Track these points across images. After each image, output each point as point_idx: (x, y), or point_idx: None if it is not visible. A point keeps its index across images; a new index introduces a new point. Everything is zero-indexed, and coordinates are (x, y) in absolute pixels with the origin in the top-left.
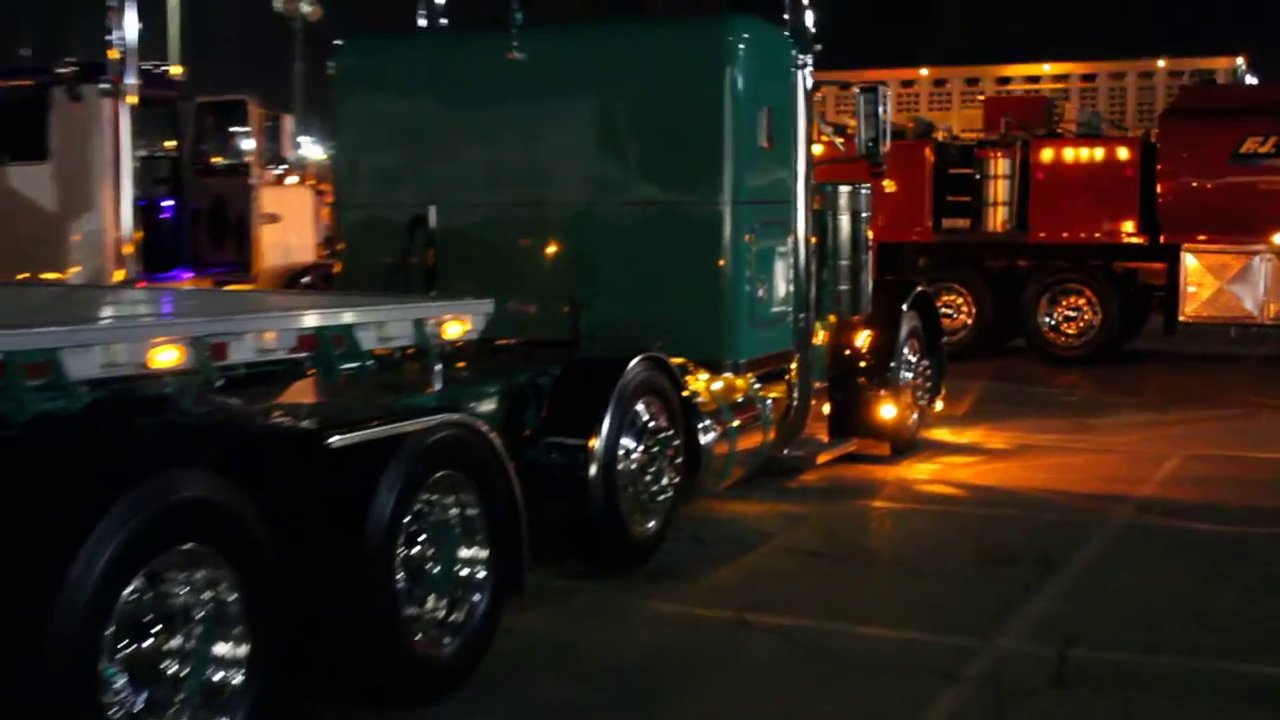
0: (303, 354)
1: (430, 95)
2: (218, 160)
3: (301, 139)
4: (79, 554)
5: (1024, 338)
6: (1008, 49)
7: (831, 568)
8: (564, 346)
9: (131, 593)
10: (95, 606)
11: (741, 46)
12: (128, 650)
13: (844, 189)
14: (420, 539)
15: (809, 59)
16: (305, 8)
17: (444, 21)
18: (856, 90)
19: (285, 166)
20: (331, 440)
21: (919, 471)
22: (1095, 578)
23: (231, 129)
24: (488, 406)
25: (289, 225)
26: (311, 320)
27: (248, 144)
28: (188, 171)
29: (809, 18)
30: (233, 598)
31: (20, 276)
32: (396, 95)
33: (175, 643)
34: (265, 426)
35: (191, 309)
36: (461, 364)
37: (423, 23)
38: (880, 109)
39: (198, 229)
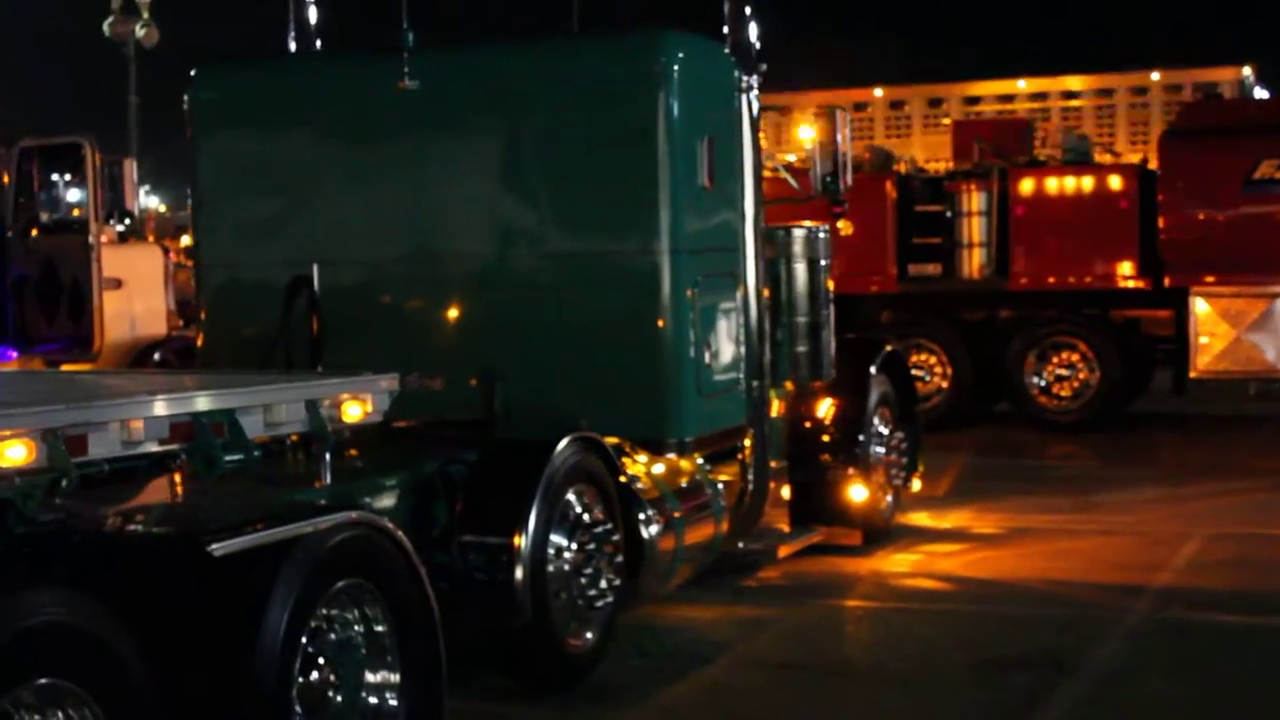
0: (175, 445)
1: (306, 131)
2: (48, 216)
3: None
4: None
5: (1009, 402)
6: (975, 64)
7: (804, 682)
8: (477, 428)
9: None
10: None
11: (677, 67)
12: None
13: (799, 233)
14: (320, 662)
15: (754, 81)
16: (139, 31)
17: (318, 44)
18: (814, 115)
19: (129, 221)
20: (214, 548)
21: (897, 563)
22: (1115, 685)
23: (64, 177)
24: (388, 502)
25: (135, 291)
26: (186, 405)
27: (83, 195)
28: (11, 230)
29: (753, 32)
30: None
31: None
32: (265, 132)
33: None
34: (133, 534)
35: (39, 395)
36: (354, 452)
37: (293, 46)
38: (840, 135)
39: (24, 299)
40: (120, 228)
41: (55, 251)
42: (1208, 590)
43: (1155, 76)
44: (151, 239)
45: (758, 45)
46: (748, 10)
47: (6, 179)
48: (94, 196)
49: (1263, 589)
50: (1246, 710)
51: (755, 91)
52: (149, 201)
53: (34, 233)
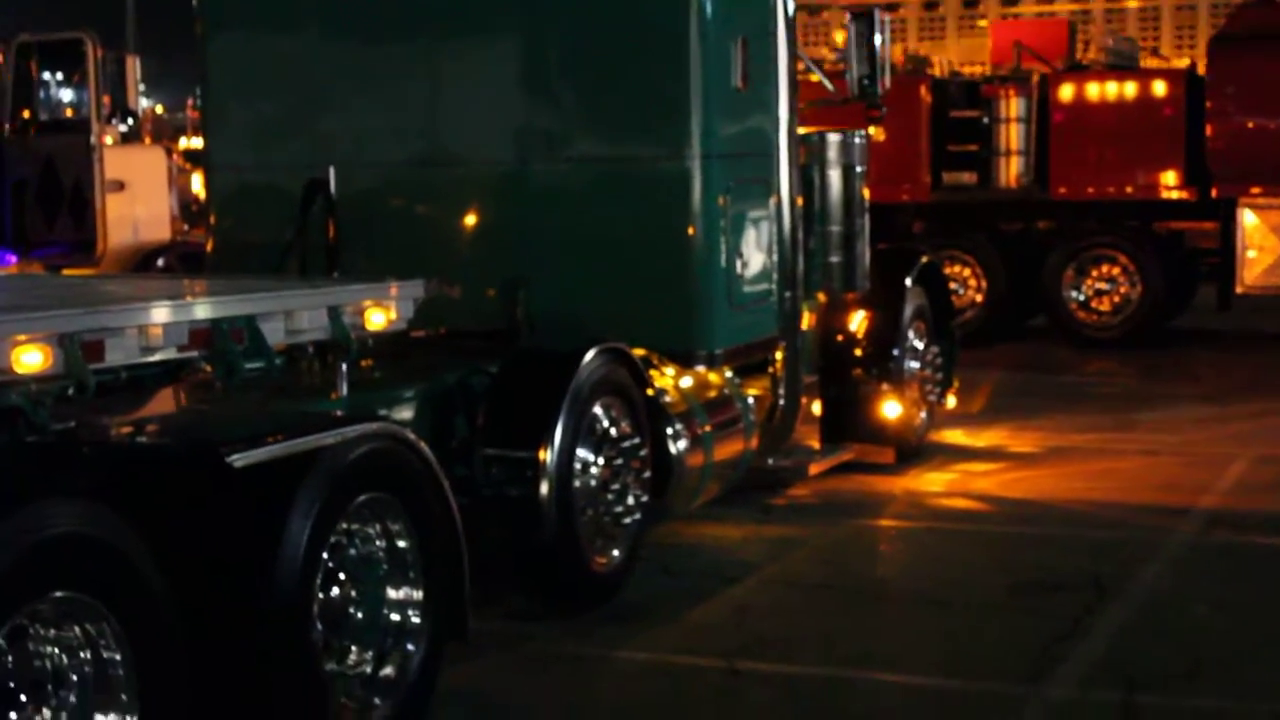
0: (193, 352)
1: (323, 27)
2: (48, 115)
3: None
4: None
5: (1047, 316)
6: None
7: (836, 603)
8: (499, 338)
9: None
10: None
11: None
12: None
13: (834, 138)
14: (341, 578)
15: None
16: None
17: None
18: (848, 16)
19: (131, 121)
20: (234, 459)
21: (932, 482)
22: (1158, 608)
23: (65, 75)
24: (407, 413)
25: (138, 194)
26: (206, 310)
27: (84, 94)
28: (9, 130)
29: None
30: (118, 657)
31: None
32: (279, 27)
33: (46, 715)
34: (151, 444)
35: (50, 298)
36: (369, 362)
37: None
38: (878, 36)
39: (23, 201)
40: (123, 128)
41: (56, 152)
42: (1255, 512)
43: None
44: (149, 141)
45: None
46: None
47: (5, 76)
48: (95, 95)
49: None
50: None
51: None
52: (146, 102)
53: (33, 132)
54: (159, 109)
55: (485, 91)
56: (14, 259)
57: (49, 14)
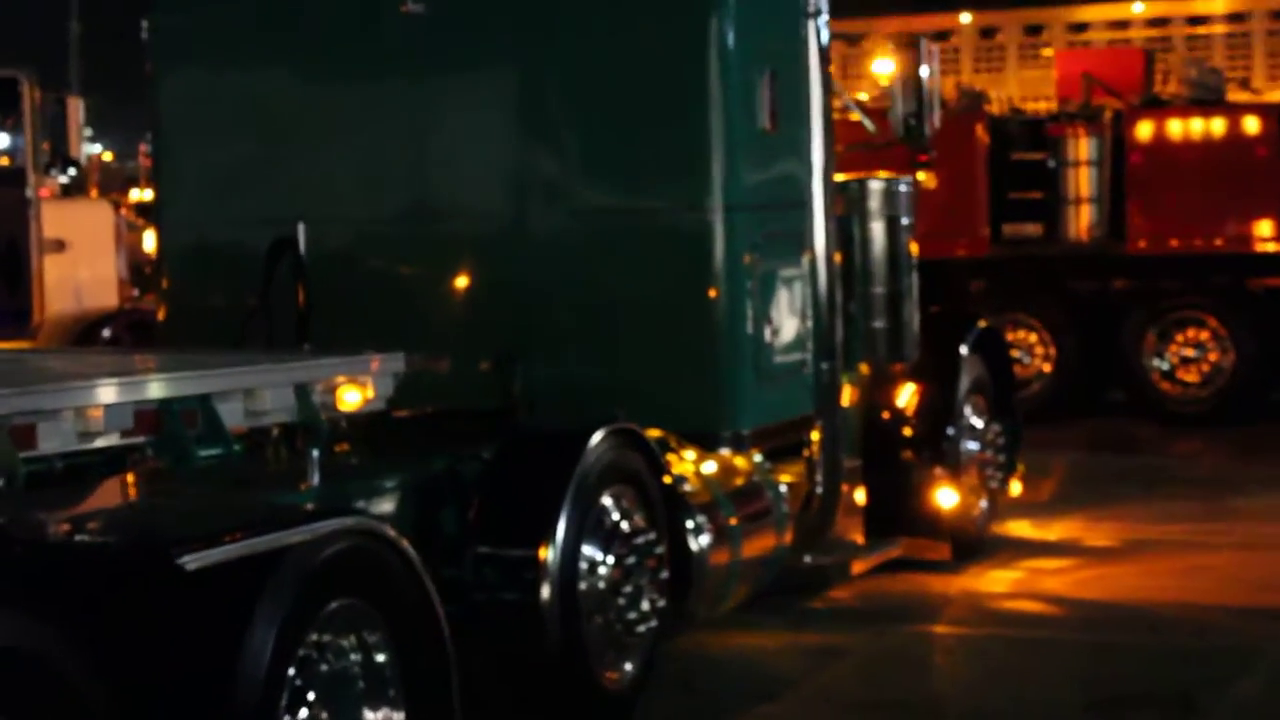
0: (139, 438)
1: (290, 64)
2: None
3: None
4: None
5: (1125, 389)
6: None
7: None
8: (494, 418)
9: None
10: None
11: None
12: None
13: (877, 186)
14: (310, 698)
15: (824, 3)
16: None
17: None
18: (895, 47)
19: (75, 171)
20: (184, 560)
21: (995, 582)
22: None
23: None
24: (388, 506)
25: (81, 255)
26: (153, 390)
27: (19, 140)
28: None
29: None
30: None
31: None
32: (240, 64)
33: None
34: (90, 543)
35: None
36: (346, 446)
37: None
38: (925, 70)
39: None
40: (64, 179)
41: None
42: None
43: None
44: (96, 193)
45: None
46: None
47: None
48: (32, 142)
49: None
50: None
51: (825, 16)
52: (93, 149)
53: None
54: (107, 156)
55: (475, 136)
56: None
57: None
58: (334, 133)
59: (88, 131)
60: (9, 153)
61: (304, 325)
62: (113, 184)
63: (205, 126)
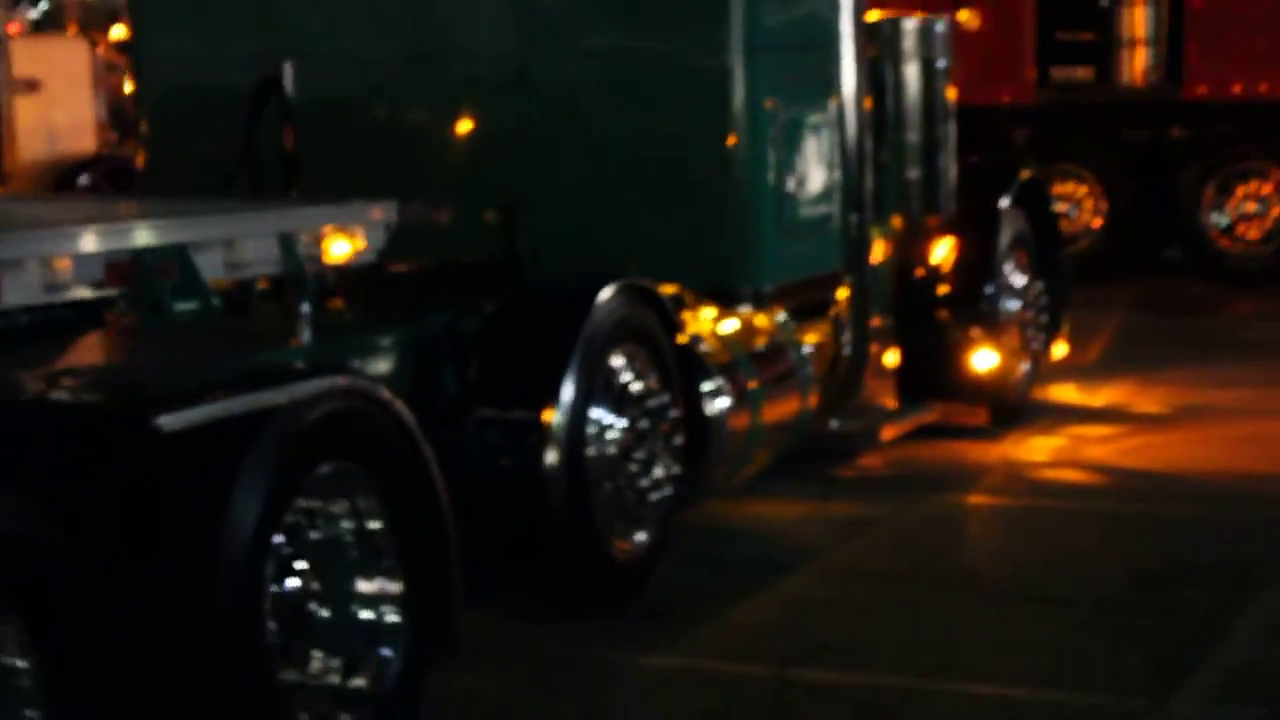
0: (111, 290)
1: None
2: None
3: None
4: None
5: (1181, 246)
6: None
7: (913, 599)
8: (497, 272)
9: None
10: None
11: None
12: None
13: (911, 25)
14: (299, 567)
15: None
16: None
17: None
18: None
19: (46, 5)
20: (162, 421)
21: (1035, 450)
22: None
23: None
24: (383, 366)
25: (55, 97)
26: (125, 239)
27: None
28: None
29: None
30: (24, 664)
31: None
32: None
33: None
34: (60, 403)
35: None
36: (340, 303)
37: None
38: None
39: None
40: (34, 13)
41: None
42: None
43: None
44: (74, 30)
45: None
46: None
47: None
48: None
49: None
50: None
51: None
52: None
53: None
54: None
55: None
56: None
57: None
58: None
59: None
60: None
61: (291, 172)
62: (93, 20)
63: None
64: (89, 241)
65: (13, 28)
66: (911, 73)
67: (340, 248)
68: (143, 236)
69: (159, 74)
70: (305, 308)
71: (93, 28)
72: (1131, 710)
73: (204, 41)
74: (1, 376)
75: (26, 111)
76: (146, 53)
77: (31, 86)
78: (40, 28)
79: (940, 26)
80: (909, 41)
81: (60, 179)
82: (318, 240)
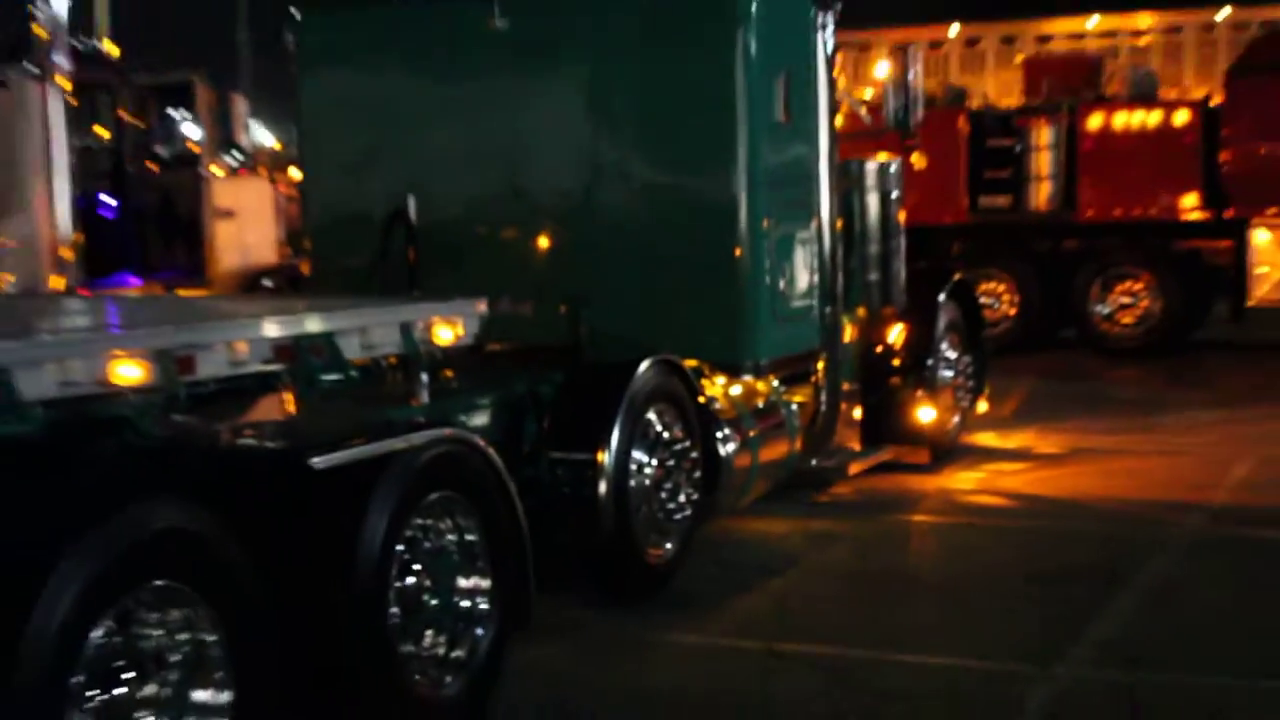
0: (278, 366)
1: (404, 70)
2: (164, 151)
3: (254, 122)
4: (41, 595)
5: (1075, 329)
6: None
7: (870, 591)
8: (564, 351)
9: (100, 636)
10: (61, 652)
11: (754, 4)
12: (97, 699)
13: (872, 166)
14: (415, 568)
15: (830, 18)
16: None
17: None
18: (890, 52)
19: (240, 156)
20: (314, 461)
21: (963, 481)
22: (1165, 595)
23: (178, 114)
24: (481, 420)
25: (246, 222)
26: (288, 328)
27: (196, 131)
28: (130, 164)
29: None
30: (212, 638)
31: None
32: (365, 71)
33: (149, 690)
34: (240, 448)
35: (151, 318)
36: (449, 373)
37: None
38: (911, 72)
39: (144, 229)
40: (231, 161)
41: (171, 184)
42: (1259, 508)
43: (1223, 14)
44: (264, 173)
45: None
46: None
47: (124, 115)
48: (206, 132)
49: None
50: None
51: (831, 28)
52: (263, 136)
53: (151, 166)
54: (278, 145)
55: (551, 124)
56: (137, 281)
57: (171, 54)
58: (439, 124)
59: (259, 121)
60: (187, 140)
61: (414, 276)
62: (276, 165)
63: (338, 119)
64: (261, 330)
65: (217, 171)
66: (872, 201)
67: (445, 334)
68: (300, 326)
69: (320, 206)
70: (423, 377)
71: (276, 171)
72: (1025, 673)
73: (352, 182)
74: (200, 428)
75: (224, 233)
76: (311, 191)
77: (229, 214)
78: (235, 171)
79: (894, 167)
80: (870, 179)
81: (249, 283)
82: (429, 327)
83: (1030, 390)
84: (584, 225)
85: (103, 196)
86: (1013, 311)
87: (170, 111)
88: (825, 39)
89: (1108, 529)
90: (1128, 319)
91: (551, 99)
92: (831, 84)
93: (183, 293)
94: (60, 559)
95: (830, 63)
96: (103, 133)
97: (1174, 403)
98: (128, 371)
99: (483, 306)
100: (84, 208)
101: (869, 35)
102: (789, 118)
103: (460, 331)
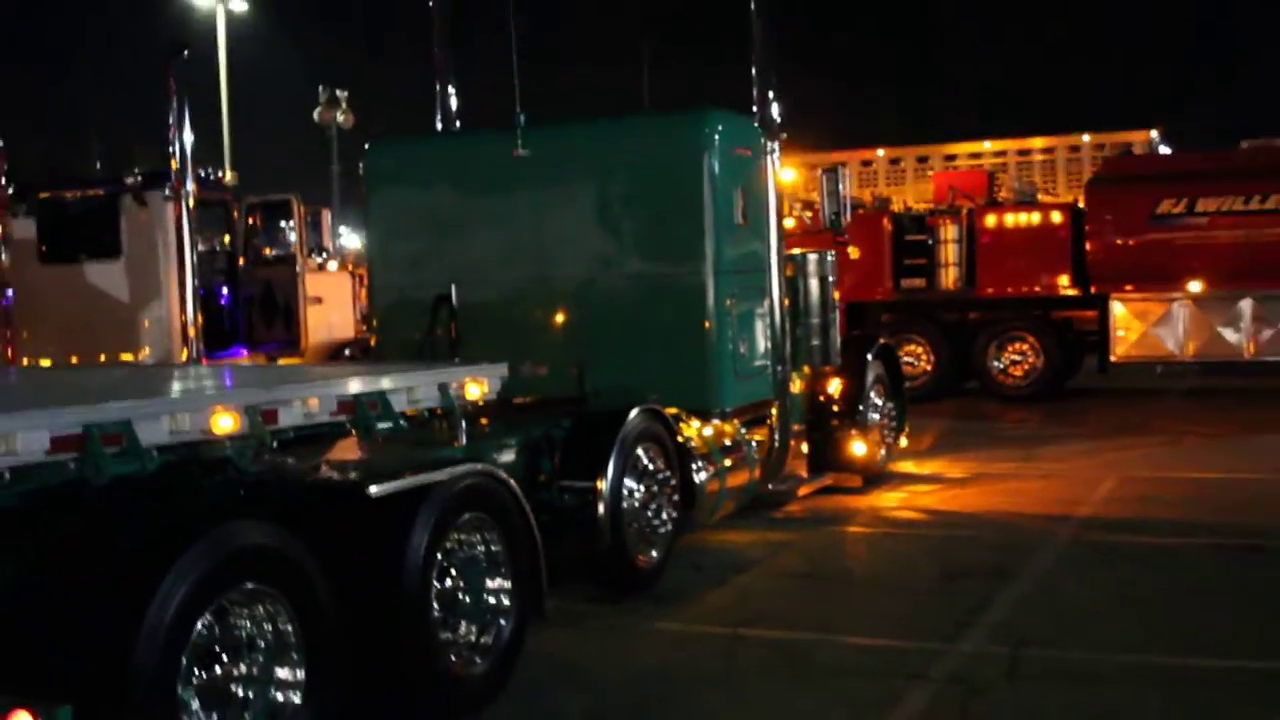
0: (343, 417)
1: (448, 187)
2: (267, 251)
3: (342, 229)
4: (157, 594)
5: (977, 380)
6: (954, 130)
7: (815, 586)
8: (573, 402)
9: (203, 626)
10: (172, 639)
11: (717, 136)
12: (201, 677)
13: (812, 257)
14: (452, 573)
15: (776, 145)
16: (339, 116)
17: (458, 124)
18: (820, 171)
19: (326, 255)
20: (371, 490)
21: (888, 500)
22: (1044, 587)
23: (278, 224)
24: (508, 457)
25: (331, 306)
26: (348, 387)
27: (292, 237)
28: (242, 262)
29: (775, 110)
30: (290, 628)
31: (100, 358)
32: (419, 189)
33: (242, 669)
34: (313, 480)
35: (244, 381)
36: (484, 420)
37: (440, 126)
38: (841, 186)
39: (251, 312)
40: (319, 259)
41: (273, 277)
42: (1118, 518)
43: (1086, 139)
44: (350, 267)
45: (779, 119)
46: (770, 94)
47: (238, 220)
48: (300, 237)
49: (1158, 516)
50: (1143, 605)
51: (777, 152)
52: (351, 241)
53: (257, 264)
54: (360, 245)
55: (563, 229)
56: (245, 351)
57: (274, 175)
58: (476, 229)
59: (347, 228)
60: (287, 245)
61: (454, 347)
62: (355, 262)
63: (397, 226)
64: (327, 389)
65: (309, 267)
66: (814, 284)
67: (474, 390)
68: (357, 386)
69: (383, 292)
70: (461, 424)
71: (355, 266)
72: (932, 649)
73: (406, 274)
74: (282, 465)
75: (314, 315)
76: (377, 281)
77: (318, 300)
78: (322, 267)
79: (830, 257)
80: (811, 266)
81: (334, 352)
82: (461, 386)
83: (942, 429)
84: (588, 305)
85: (220, 288)
86: (929, 368)
87: (273, 222)
88: (773, 160)
89: (1001, 536)
90: (1018, 372)
91: (563, 208)
92: (778, 195)
93: (282, 361)
94: (171, 567)
95: (775, 179)
96: (222, 238)
97: (1053, 437)
98: (224, 422)
99: (504, 370)
100: (204, 296)
101: (816, 157)
102: (745, 220)
103: (485, 388)
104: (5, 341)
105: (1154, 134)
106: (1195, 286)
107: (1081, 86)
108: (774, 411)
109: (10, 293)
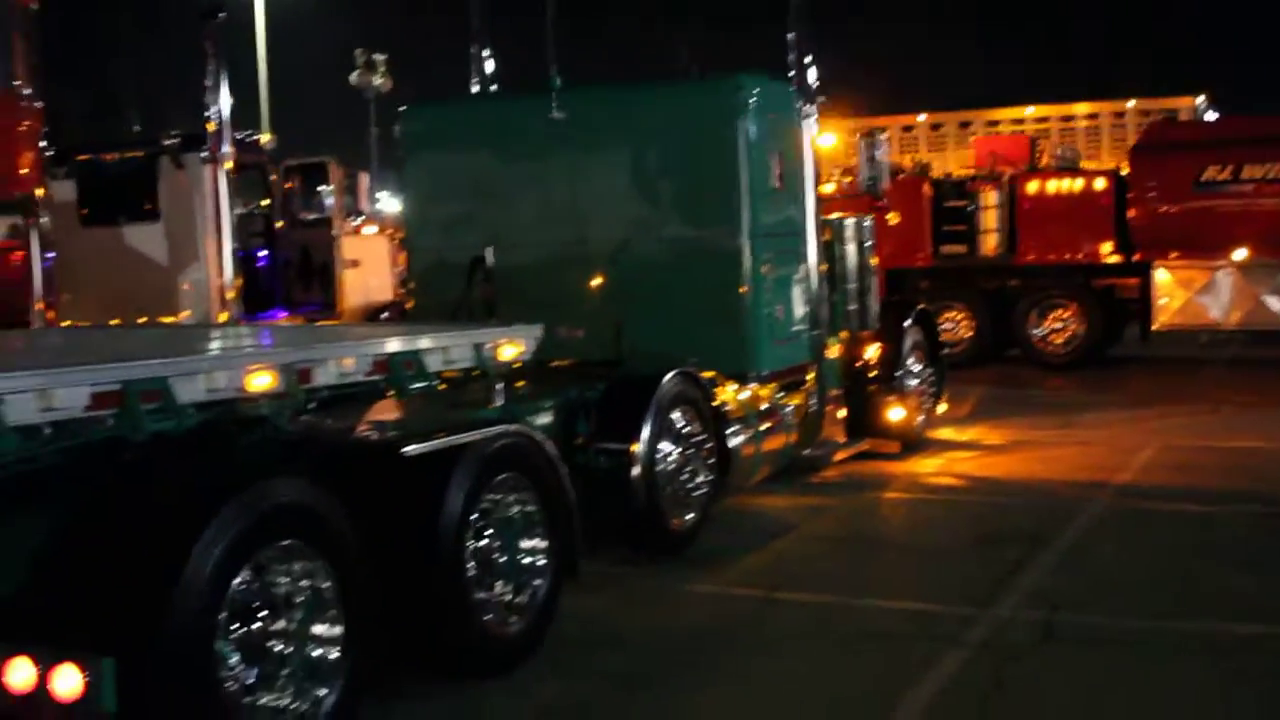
0: (377, 376)
1: (485, 151)
2: (305, 215)
3: (381, 194)
4: (195, 550)
5: (1018, 348)
6: (998, 95)
7: (849, 551)
8: (609, 365)
9: (241, 582)
10: (210, 594)
11: (753, 100)
12: (239, 632)
13: (849, 222)
14: (487, 533)
15: (813, 109)
16: (377, 80)
17: (494, 87)
18: (859, 136)
19: (363, 218)
20: (406, 450)
21: (925, 466)
22: (1079, 553)
23: (316, 187)
24: (545, 419)
25: (368, 269)
26: (383, 347)
27: (330, 200)
28: (279, 225)
29: (812, 74)
30: (327, 585)
31: (140, 320)
32: (455, 152)
33: (280, 624)
34: (349, 439)
35: (281, 341)
36: (521, 383)
37: (476, 89)
38: (878, 152)
39: (289, 274)
40: (356, 222)
41: (310, 240)
42: (1156, 485)
43: (1131, 104)
44: (390, 231)
45: (816, 83)
46: (807, 58)
47: (275, 184)
48: (337, 200)
49: (1196, 484)
50: (1166, 568)
51: (814, 117)
52: (390, 205)
53: (295, 227)
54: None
55: (600, 192)
56: (284, 314)
57: (312, 138)
58: (512, 192)
59: (386, 192)
60: (324, 208)
61: (491, 309)
62: (392, 225)
63: (433, 190)
64: (362, 348)
65: (345, 230)
66: (851, 250)
67: (509, 352)
68: (393, 345)
69: (419, 255)
70: (498, 386)
71: (392, 229)
72: (966, 614)
73: (442, 237)
74: (318, 425)
75: (351, 277)
76: (414, 244)
77: (354, 263)
78: (358, 230)
79: (868, 222)
80: (849, 232)
81: (370, 315)
82: (495, 347)
83: (981, 396)
84: (624, 269)
85: (258, 250)
86: (969, 334)
87: (311, 185)
88: (810, 125)
89: (1038, 502)
90: (1058, 340)
91: (600, 172)
92: (815, 160)
93: (320, 323)
94: (209, 523)
95: (813, 143)
96: (260, 202)
97: (1093, 404)
98: (260, 380)
99: (539, 331)
100: (243, 258)
101: (859, 122)
102: (782, 185)
103: (521, 349)
104: (47, 304)
105: (1199, 100)
106: (1239, 254)
107: (1132, 50)
108: (811, 376)
109: (51, 255)
